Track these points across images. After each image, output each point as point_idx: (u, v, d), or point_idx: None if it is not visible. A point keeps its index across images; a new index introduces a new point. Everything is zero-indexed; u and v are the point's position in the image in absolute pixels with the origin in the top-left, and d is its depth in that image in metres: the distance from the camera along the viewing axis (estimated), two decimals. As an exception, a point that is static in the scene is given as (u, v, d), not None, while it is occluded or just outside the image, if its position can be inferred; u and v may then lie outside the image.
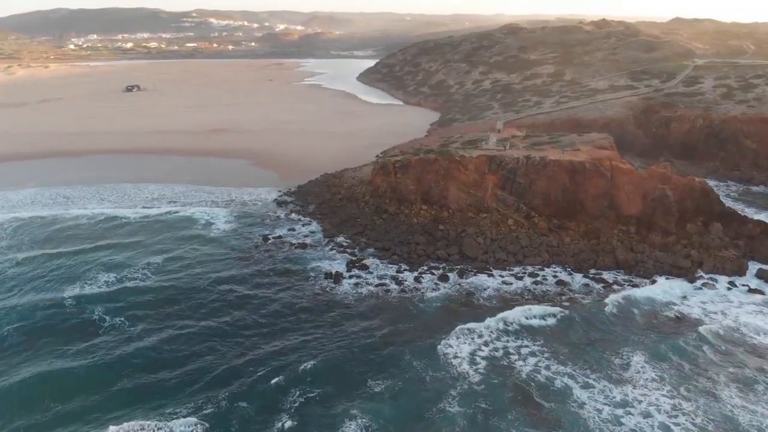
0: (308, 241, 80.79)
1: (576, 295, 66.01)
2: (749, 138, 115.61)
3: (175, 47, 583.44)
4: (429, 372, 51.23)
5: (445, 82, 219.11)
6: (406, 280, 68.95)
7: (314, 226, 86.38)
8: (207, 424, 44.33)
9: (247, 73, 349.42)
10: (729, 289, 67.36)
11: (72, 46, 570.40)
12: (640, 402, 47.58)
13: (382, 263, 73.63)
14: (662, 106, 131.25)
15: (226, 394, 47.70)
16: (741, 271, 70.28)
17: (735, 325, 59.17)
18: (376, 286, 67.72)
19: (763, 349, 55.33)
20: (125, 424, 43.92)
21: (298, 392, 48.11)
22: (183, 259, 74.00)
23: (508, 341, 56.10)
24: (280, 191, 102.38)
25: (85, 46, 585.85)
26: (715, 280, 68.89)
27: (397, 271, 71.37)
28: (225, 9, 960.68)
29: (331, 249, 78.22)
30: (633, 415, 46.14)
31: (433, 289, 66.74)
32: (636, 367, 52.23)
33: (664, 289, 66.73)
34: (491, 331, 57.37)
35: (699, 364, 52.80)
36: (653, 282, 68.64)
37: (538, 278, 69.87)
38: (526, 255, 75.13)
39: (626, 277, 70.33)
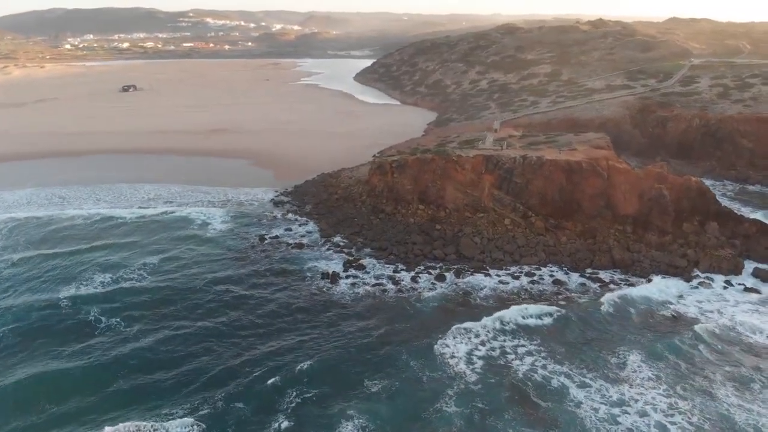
0: (305, 241, 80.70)
1: (572, 294, 66.06)
2: (745, 137, 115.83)
3: (172, 47, 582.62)
4: (426, 372, 51.20)
5: (442, 82, 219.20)
6: (403, 280, 68.91)
7: (311, 226, 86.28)
8: (203, 425, 44.24)
9: (244, 73, 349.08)
10: (725, 288, 67.49)
11: (68, 46, 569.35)
12: (636, 401, 47.63)
13: (379, 263, 73.58)
14: (659, 105, 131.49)
15: (223, 394, 47.61)
16: (737, 270, 70.43)
17: (731, 324, 59.28)
18: (373, 286, 67.65)
19: (759, 347, 55.44)
20: (121, 425, 43.79)
21: (294, 392, 48.04)
22: (179, 259, 73.84)
23: (504, 340, 56.11)
24: (276, 191, 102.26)
25: (81, 46, 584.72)
26: (712, 279, 69.01)
27: (394, 271, 71.33)
28: (222, 9, 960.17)
29: (328, 249, 78.13)
30: (629, 414, 46.18)
31: (430, 289, 66.70)
32: (632, 366, 52.29)
33: (660, 288, 66.84)
34: (488, 331, 57.38)
35: (695, 363, 52.88)
36: (649, 281, 68.73)
37: (535, 278, 69.90)
38: (522, 254, 75.15)
39: (623, 277, 70.41)
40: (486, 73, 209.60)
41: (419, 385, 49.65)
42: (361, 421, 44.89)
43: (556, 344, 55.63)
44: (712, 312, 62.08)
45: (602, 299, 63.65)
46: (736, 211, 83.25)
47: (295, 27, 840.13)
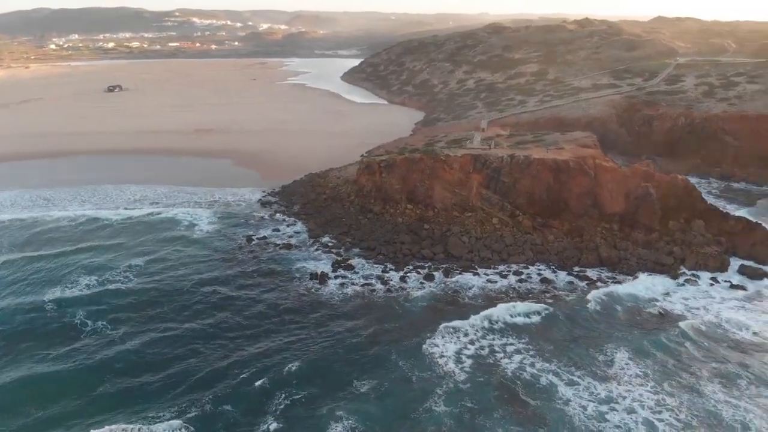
0: (293, 241, 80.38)
1: (560, 292, 66.28)
2: (730, 135, 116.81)
3: (158, 47, 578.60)
4: (415, 372, 51.15)
5: (430, 82, 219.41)
6: (391, 280, 68.82)
7: (299, 226, 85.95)
8: (191, 428, 43.90)
9: (231, 72, 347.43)
10: (711, 285, 68.02)
11: (53, 46, 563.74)
12: (624, 398, 47.87)
13: (367, 263, 73.43)
14: (644, 104, 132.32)
15: (211, 397, 47.26)
16: (723, 268, 71.00)
17: (717, 320, 59.75)
18: (362, 286, 67.50)
19: (746, 344, 55.92)
20: (107, 428, 43.43)
21: (283, 394, 47.80)
22: (166, 260, 73.25)
23: (493, 339, 56.19)
24: (264, 191, 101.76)
25: (66, 46, 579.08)
26: (698, 277, 69.51)
27: (383, 271, 71.23)
28: (208, 8, 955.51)
29: (316, 249, 77.87)
30: (617, 411, 46.39)
31: (419, 289, 66.66)
32: (620, 363, 52.55)
33: (647, 286, 67.30)
34: (477, 330, 57.46)
35: (682, 359, 53.25)
36: (636, 279, 69.14)
37: (523, 276, 70.07)
38: (510, 253, 75.33)
39: (610, 274, 70.76)
40: (473, 73, 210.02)
41: (408, 384, 49.58)
42: (350, 421, 44.75)
43: (545, 342, 55.82)
44: (698, 309, 62.53)
45: (590, 297, 63.99)
46: (721, 209, 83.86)
47: (282, 26, 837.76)
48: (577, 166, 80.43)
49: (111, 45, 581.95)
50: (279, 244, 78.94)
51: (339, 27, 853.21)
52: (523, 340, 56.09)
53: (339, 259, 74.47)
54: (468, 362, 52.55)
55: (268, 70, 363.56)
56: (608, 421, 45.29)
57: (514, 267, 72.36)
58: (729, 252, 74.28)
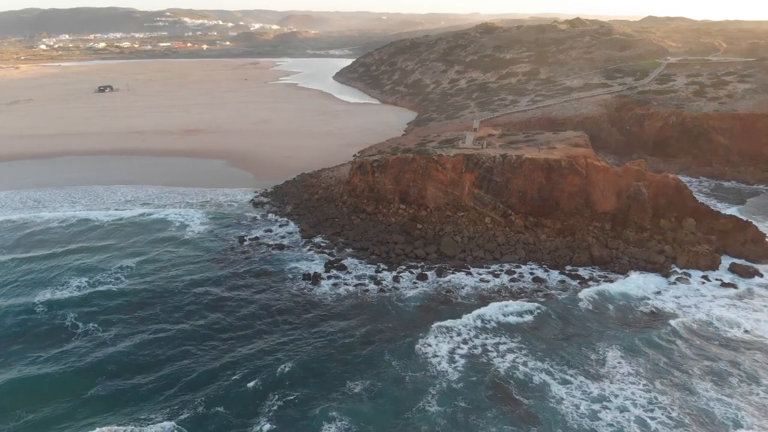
0: (285, 242, 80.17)
1: (552, 291, 66.39)
2: (721, 134, 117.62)
3: (149, 47, 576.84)
4: (408, 371, 51.10)
5: (422, 81, 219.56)
6: (384, 280, 68.75)
7: (291, 226, 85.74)
8: (184, 430, 43.66)
9: (222, 72, 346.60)
10: (703, 283, 68.34)
11: (43, 47, 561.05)
12: (616, 396, 48.00)
13: (360, 263, 73.34)
14: (636, 103, 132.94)
15: (203, 398, 47.02)
16: (714, 266, 71.35)
17: (708, 318, 60.01)
18: (355, 286, 67.40)
19: (737, 342, 56.19)
20: (98, 430, 43.11)
21: (276, 395, 47.63)
22: (157, 261, 72.93)
23: (486, 338, 56.23)
24: (256, 192, 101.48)
25: (56, 46, 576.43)
26: (689, 275, 69.83)
27: (376, 271, 71.14)
28: (199, 8, 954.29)
29: (309, 250, 77.70)
30: (610, 409, 46.50)
31: (412, 288, 66.63)
32: (612, 362, 52.70)
33: (638, 284, 67.59)
34: (469, 329, 57.49)
35: (674, 357, 53.45)
36: (628, 277, 69.36)
37: (515, 275, 70.15)
38: (503, 252, 75.43)
39: (602, 273, 70.95)
40: (465, 73, 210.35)
41: (402, 384, 49.52)
42: (343, 422, 44.64)
43: (537, 341, 55.92)
44: (689, 307, 62.82)
45: (582, 296, 64.19)
46: (712, 207, 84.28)
47: (274, 26, 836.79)
48: (568, 165, 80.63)
49: (102, 45, 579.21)
50: (271, 245, 78.71)
51: (331, 27, 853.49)
52: (515, 339, 56.16)
53: (332, 259, 74.34)
54: (461, 362, 52.56)
55: (260, 70, 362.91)
56: (601, 419, 45.39)
57: (507, 266, 72.43)
58: (720, 250, 74.64)
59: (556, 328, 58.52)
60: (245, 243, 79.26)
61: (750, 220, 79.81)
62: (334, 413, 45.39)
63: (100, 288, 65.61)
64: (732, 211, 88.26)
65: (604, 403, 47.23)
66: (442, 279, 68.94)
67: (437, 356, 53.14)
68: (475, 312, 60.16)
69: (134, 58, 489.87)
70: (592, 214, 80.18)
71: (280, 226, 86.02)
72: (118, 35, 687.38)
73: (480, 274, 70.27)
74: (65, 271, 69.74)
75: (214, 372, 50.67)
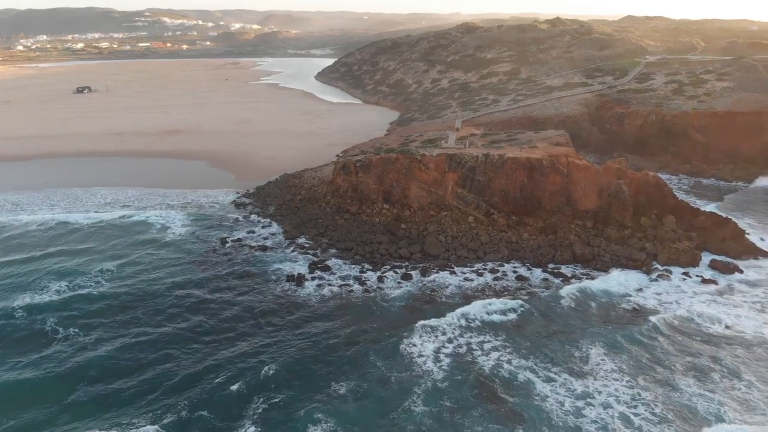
0: (268, 243, 79.66)
1: (535, 289, 66.72)
2: (699, 132, 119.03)
3: (128, 47, 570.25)
4: (394, 372, 51.03)
5: (404, 81, 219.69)
6: (369, 280, 68.59)
7: (274, 227, 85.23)
8: (167, 434, 43.21)
9: (203, 72, 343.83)
10: (683, 279, 69.11)
11: (20, 48, 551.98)
12: (600, 393, 48.36)
13: (344, 264, 73.10)
14: (616, 102, 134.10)
15: (186, 402, 46.55)
16: (694, 263, 72.15)
17: (690, 315, 60.64)
18: (339, 287, 67.18)
19: (718, 337, 56.87)
20: (80, 436, 42.53)
21: (260, 398, 47.29)
22: (138, 264, 72.09)
23: (471, 337, 56.33)
24: (238, 193, 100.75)
25: (34, 47, 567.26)
26: (670, 272, 70.57)
27: (360, 272, 70.97)
28: (179, 8, 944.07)
29: (293, 251, 77.27)
30: (594, 406, 46.82)
31: (396, 288, 66.58)
32: (595, 359, 53.07)
33: (620, 282, 68.21)
34: (454, 328, 57.58)
35: (656, 354, 53.96)
36: (610, 275, 69.91)
37: (499, 274, 70.39)
38: (486, 251, 75.66)
39: (584, 271, 71.44)
40: (447, 72, 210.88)
41: (387, 385, 49.43)
42: (329, 424, 44.44)
43: (521, 339, 56.14)
44: (671, 303, 63.50)
45: (565, 294, 64.63)
46: (692, 205, 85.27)
47: (255, 26, 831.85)
48: (550, 164, 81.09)
49: (80, 46, 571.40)
50: (254, 246, 78.16)
51: (312, 27, 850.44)
52: (500, 338, 56.33)
53: (316, 260, 74.01)
54: (446, 361, 52.59)
55: (240, 70, 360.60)
56: (585, 416, 45.68)
57: (490, 265, 72.68)
58: (700, 247, 75.52)
59: (540, 326, 58.81)
60: (227, 245, 78.63)
61: (729, 217, 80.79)
62: (319, 415, 45.18)
63: (81, 291, 64.70)
64: (711, 207, 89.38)
65: (588, 400, 47.55)
66: (426, 278, 68.97)
67: (422, 356, 53.13)
68: (459, 311, 60.30)
69: (113, 59, 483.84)
70: (573, 212, 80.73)
71: (263, 227, 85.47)
72: (96, 35, 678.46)
73: (464, 273, 70.42)
74: (44, 274, 68.69)
75: (197, 375, 50.18)
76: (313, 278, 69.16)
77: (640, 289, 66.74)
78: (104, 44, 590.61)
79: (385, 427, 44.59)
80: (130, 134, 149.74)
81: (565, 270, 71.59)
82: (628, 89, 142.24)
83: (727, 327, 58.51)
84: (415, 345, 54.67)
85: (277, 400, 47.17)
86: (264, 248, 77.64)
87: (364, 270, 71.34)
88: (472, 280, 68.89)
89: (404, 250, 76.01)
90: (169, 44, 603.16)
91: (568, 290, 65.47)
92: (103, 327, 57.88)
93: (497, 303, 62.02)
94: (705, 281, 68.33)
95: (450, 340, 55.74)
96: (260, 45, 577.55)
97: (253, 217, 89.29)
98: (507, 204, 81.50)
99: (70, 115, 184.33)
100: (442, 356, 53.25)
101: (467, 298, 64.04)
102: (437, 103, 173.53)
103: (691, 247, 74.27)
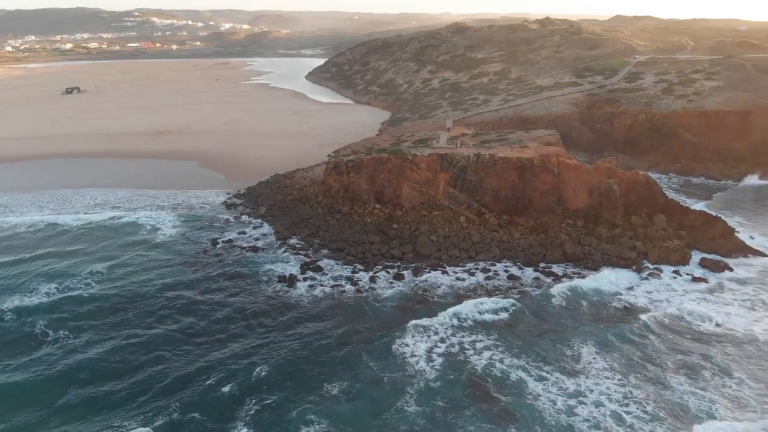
0: (260, 244, 79.38)
1: (527, 288, 66.86)
2: (689, 131, 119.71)
3: (117, 47, 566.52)
4: (386, 372, 50.96)
5: (395, 81, 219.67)
6: (361, 281, 68.51)
7: (266, 228, 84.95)
8: (158, 436, 42.95)
9: (193, 73, 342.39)
10: (674, 278, 69.46)
11: (9, 48, 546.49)
12: (592, 391, 48.50)
13: (336, 264, 72.96)
14: (606, 102, 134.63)
15: (178, 404, 46.27)
16: (685, 261, 72.54)
17: (680, 313, 60.94)
18: (331, 287, 67.03)
19: (709, 335, 57.19)
20: (71, 440, 42.20)
21: (252, 399, 47.08)
22: (128, 265, 71.64)
23: (463, 336, 56.37)
24: (229, 193, 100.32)
25: (22, 47, 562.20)
26: (661, 270, 70.90)
27: (352, 272, 70.85)
28: (168, 8, 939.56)
29: (284, 251, 77.04)
30: (586, 404, 46.96)
31: (389, 288, 66.51)
32: (587, 357, 53.24)
33: (611, 280, 68.45)
34: (446, 328, 57.60)
35: (647, 352, 54.19)
36: (601, 273, 70.16)
37: (490, 273, 70.50)
38: (478, 251, 75.75)
39: (575, 270, 71.68)
40: (437, 72, 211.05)
41: (380, 385, 49.36)
42: (321, 425, 44.32)
43: (513, 338, 56.24)
44: (661, 302, 63.80)
45: (556, 293, 64.76)
46: (681, 203, 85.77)
47: (245, 26, 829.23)
48: (541, 164, 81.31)
49: (69, 46, 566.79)
50: (245, 247, 77.87)
51: (302, 27, 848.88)
52: (492, 337, 56.41)
53: (307, 260, 73.82)
54: (438, 360, 52.60)
55: (230, 70, 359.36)
56: (577, 414, 45.80)
57: (482, 264, 72.78)
58: (690, 245, 75.90)
59: (532, 325, 58.93)
60: (218, 245, 78.29)
61: (719, 215, 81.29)
62: (312, 416, 45.04)
63: (70, 294, 64.19)
64: (700, 206, 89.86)
65: (580, 398, 47.69)
66: (418, 278, 68.96)
67: (415, 356, 53.10)
68: (451, 310, 60.32)
69: (102, 59, 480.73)
70: (564, 211, 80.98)
71: (254, 227, 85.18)
72: (85, 36, 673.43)
73: (456, 273, 70.48)
74: (34, 277, 68.14)
75: (188, 377, 49.91)
76: (304, 279, 68.98)
77: (631, 288, 67.03)
78: (93, 44, 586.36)
79: (378, 428, 44.53)
80: (120, 135, 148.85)
81: (557, 269, 71.80)
82: (618, 89, 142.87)
83: (717, 325, 58.86)
84: (407, 345, 54.64)
85: (269, 401, 46.98)
86: (255, 249, 77.36)
87: (356, 270, 71.24)
88: (464, 279, 68.95)
89: (396, 250, 75.97)
90: (158, 44, 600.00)
91: (559, 289, 65.62)
92: (94, 329, 57.45)
93: (489, 302, 62.13)
94: (695, 279, 68.73)
95: (442, 340, 55.77)
96: (250, 45, 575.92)
97: (244, 217, 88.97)
98: (498, 203, 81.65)
99: (59, 116, 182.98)
100: (434, 356, 53.25)
101: (459, 298, 64.08)
102: (428, 103, 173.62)
103: (681, 245, 74.69)
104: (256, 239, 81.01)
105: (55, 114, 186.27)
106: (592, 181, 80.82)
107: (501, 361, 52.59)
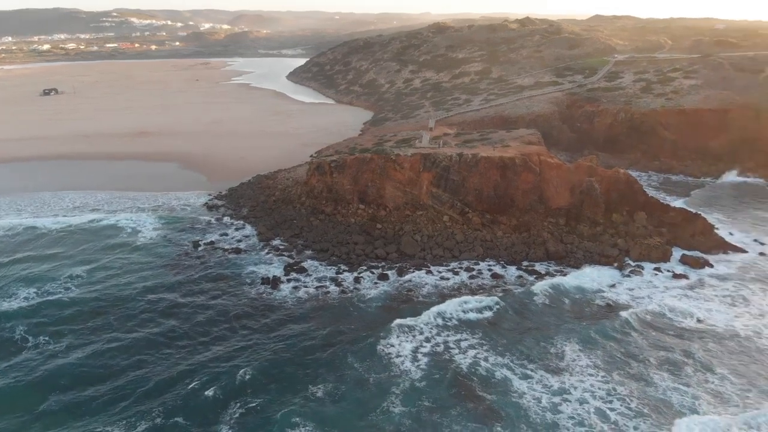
0: (242, 245, 78.78)
1: (510, 287, 67.12)
2: (668, 130, 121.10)
3: (95, 48, 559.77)
4: (371, 372, 50.83)
5: (376, 81, 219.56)
6: (345, 281, 68.30)
7: (248, 229, 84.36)
8: (141, 442, 42.42)
9: (173, 73, 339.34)
10: (655, 275, 70.13)
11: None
12: (576, 389, 48.79)
13: (320, 265, 72.66)
14: (586, 101, 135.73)
15: (161, 408, 45.75)
16: (666, 258, 73.30)
17: (662, 309, 61.52)
18: (316, 288, 66.73)
19: (690, 331, 57.81)
20: (51, 447, 41.52)
21: (237, 402, 46.69)
22: (108, 269, 70.73)
23: (448, 336, 56.42)
24: (210, 195, 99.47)
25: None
26: (642, 267, 71.55)
27: (336, 273, 70.61)
28: (147, 8, 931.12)
29: (267, 253, 76.55)
30: (570, 402, 47.23)
31: (373, 289, 66.39)
32: (571, 355, 53.54)
33: (593, 278, 68.96)
34: (431, 327, 57.60)
35: (630, 349, 54.64)
36: (583, 271, 70.65)
37: (474, 272, 70.68)
38: (461, 250, 75.90)
39: (557, 268, 72.13)
40: (419, 72, 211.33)
41: (365, 386, 49.22)
42: (307, 427, 44.08)
43: (497, 336, 56.41)
44: (643, 298, 64.39)
45: (539, 291, 65.05)
46: (661, 201, 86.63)
47: (225, 26, 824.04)
48: (522, 163, 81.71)
49: (46, 47, 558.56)
50: (228, 249, 77.24)
51: (282, 27, 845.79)
52: (476, 335, 56.52)
53: (291, 262, 73.44)
54: (424, 360, 52.58)
55: (211, 71, 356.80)
56: (562, 412, 46.05)
57: (466, 263, 72.94)
58: (671, 242, 76.70)
59: (515, 323, 59.17)
60: (200, 248, 77.58)
61: (699, 212, 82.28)
62: (297, 418, 44.78)
63: (50, 298, 63.23)
64: (680, 203, 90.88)
65: (565, 395, 47.94)
66: (402, 278, 68.92)
67: (400, 356, 53.04)
68: (436, 309, 60.35)
69: (80, 60, 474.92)
70: (546, 210, 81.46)
71: (236, 229, 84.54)
72: (62, 36, 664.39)
73: (440, 272, 70.56)
74: (12, 281, 67.07)
75: (171, 381, 49.37)
76: (288, 280, 68.61)
77: (613, 285, 67.57)
78: (71, 45, 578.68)
79: (364, 429, 44.40)
80: (99, 136, 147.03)
81: (539, 267, 72.18)
82: (598, 88, 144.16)
83: (698, 321, 59.52)
84: (392, 345, 54.57)
85: (253, 404, 46.63)
86: (238, 251, 76.77)
87: (341, 271, 71.02)
88: (448, 278, 69.06)
89: (380, 250, 75.87)
90: (137, 45, 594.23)
91: (542, 287, 65.94)
92: (74, 334, 56.62)
93: (473, 301, 62.27)
94: (676, 276, 69.48)
95: (427, 339, 55.77)
96: (231, 45, 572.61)
97: (226, 219, 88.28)
98: (481, 203, 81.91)
99: (36, 117, 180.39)
100: (419, 356, 53.22)
101: (444, 297, 64.12)
102: (410, 102, 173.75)
103: (661, 242, 75.48)
104: (239, 241, 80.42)
105: (33, 116, 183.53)
106: (574, 180, 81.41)
107: (486, 359, 52.71)
